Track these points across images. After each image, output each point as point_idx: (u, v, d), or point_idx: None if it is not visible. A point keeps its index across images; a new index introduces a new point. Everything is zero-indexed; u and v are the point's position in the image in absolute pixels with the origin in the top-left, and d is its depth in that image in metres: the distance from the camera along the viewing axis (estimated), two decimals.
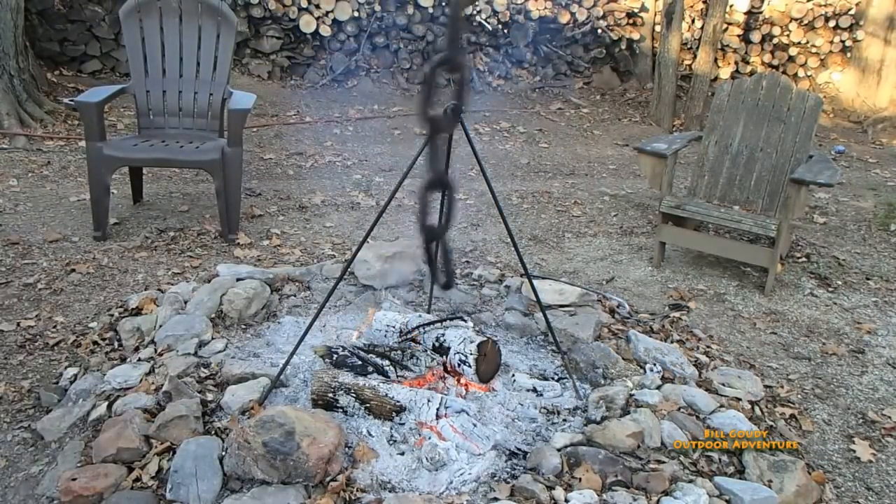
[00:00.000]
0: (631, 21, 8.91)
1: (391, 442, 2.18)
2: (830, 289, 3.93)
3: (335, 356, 2.49)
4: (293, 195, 4.88)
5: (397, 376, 2.42)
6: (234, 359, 2.61)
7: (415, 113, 7.28)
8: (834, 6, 9.00)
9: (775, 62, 9.24)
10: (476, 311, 3.13)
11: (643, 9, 8.83)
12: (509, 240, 2.54)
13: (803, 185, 3.49)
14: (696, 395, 2.53)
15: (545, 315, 2.53)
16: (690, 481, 2.09)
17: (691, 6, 8.78)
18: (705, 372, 2.81)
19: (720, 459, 2.23)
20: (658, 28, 8.60)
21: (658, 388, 2.57)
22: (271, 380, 2.40)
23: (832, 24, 9.08)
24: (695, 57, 8.19)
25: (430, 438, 2.15)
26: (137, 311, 2.94)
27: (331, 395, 2.28)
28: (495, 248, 4.15)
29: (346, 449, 2.10)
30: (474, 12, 8.05)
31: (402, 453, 2.13)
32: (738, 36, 9.11)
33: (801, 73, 9.30)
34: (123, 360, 2.65)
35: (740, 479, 2.17)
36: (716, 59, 8.45)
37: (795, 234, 4.61)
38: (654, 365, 2.73)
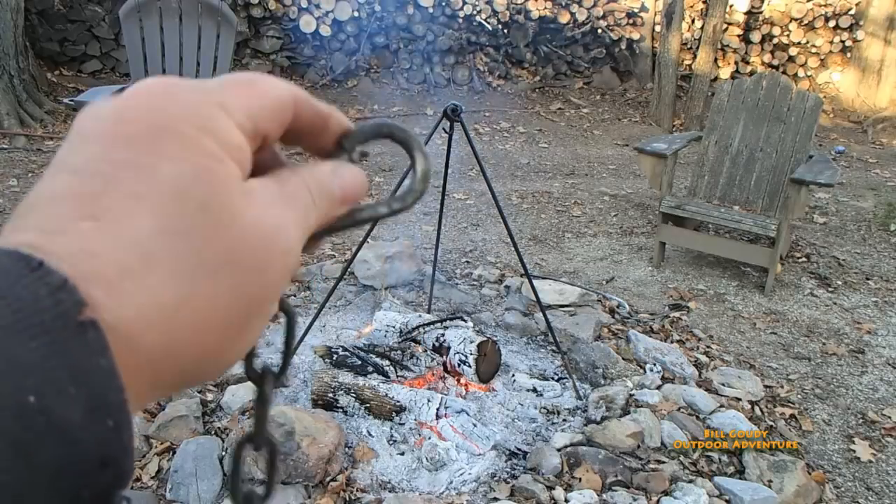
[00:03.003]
0: (631, 21, 8.91)
1: (391, 442, 2.18)
2: (830, 289, 3.93)
3: (335, 356, 2.49)
4: None
5: (397, 376, 2.42)
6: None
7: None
8: (834, 6, 9.00)
9: (775, 62, 9.24)
10: (476, 311, 3.13)
11: (643, 9, 8.82)
12: (509, 240, 2.54)
13: (803, 185, 3.49)
14: (696, 395, 2.53)
15: (545, 315, 2.53)
16: (690, 481, 2.09)
17: (691, 6, 8.78)
18: (705, 372, 2.81)
19: (720, 459, 2.23)
20: (658, 28, 8.60)
21: (658, 388, 2.57)
22: None
23: (832, 24, 9.08)
24: (695, 57, 8.19)
25: (430, 438, 2.15)
26: None
27: (331, 395, 2.28)
28: (495, 248, 4.15)
29: (346, 449, 2.10)
30: (474, 12, 8.05)
31: (402, 453, 2.13)
32: (738, 36, 9.10)
33: (801, 73, 9.30)
34: None
35: (740, 479, 2.17)
36: (716, 59, 8.45)
37: (795, 234, 4.60)
38: (654, 365, 2.73)
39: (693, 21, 8.91)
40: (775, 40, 9.14)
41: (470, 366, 2.45)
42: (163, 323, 0.22)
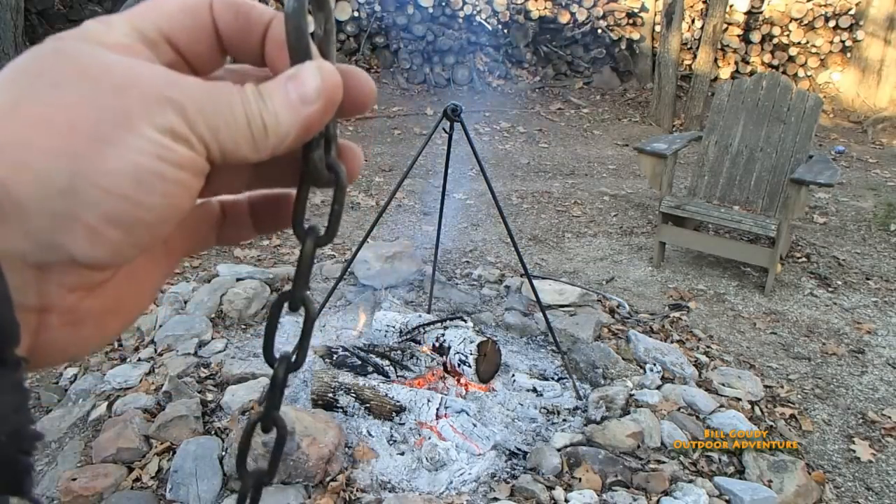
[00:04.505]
0: (631, 21, 8.91)
1: (391, 442, 2.18)
2: (830, 289, 3.93)
3: (335, 356, 2.49)
4: None
5: (397, 376, 2.42)
6: (234, 359, 2.61)
7: (412, 113, 7.30)
8: (834, 6, 9.00)
9: (775, 62, 9.24)
10: (476, 311, 3.13)
11: (643, 9, 8.83)
12: (509, 240, 2.54)
13: (803, 185, 3.49)
14: (696, 395, 2.53)
15: (545, 315, 2.53)
16: (690, 481, 2.09)
17: (691, 6, 8.78)
18: (705, 372, 2.81)
19: (720, 459, 2.23)
20: (658, 28, 8.60)
21: (658, 388, 2.57)
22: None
23: (832, 24, 9.08)
24: (695, 57, 8.19)
25: (430, 438, 2.15)
26: None
27: (331, 395, 2.28)
28: (495, 248, 4.15)
29: (346, 449, 2.10)
30: (474, 12, 8.05)
31: (402, 453, 2.13)
32: (738, 36, 9.11)
33: (801, 73, 9.30)
34: (123, 360, 2.65)
35: (740, 479, 2.17)
36: (716, 59, 8.45)
37: (795, 234, 4.60)
38: (654, 365, 2.73)
39: (693, 21, 8.92)
40: (775, 40, 9.14)
41: (470, 366, 2.45)
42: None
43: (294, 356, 0.31)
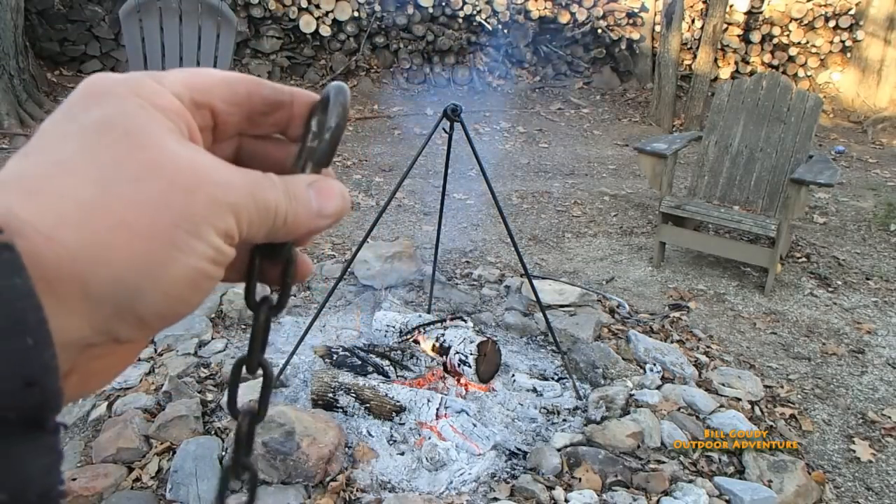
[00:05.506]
0: (631, 21, 8.91)
1: (391, 442, 2.18)
2: (830, 289, 3.93)
3: (335, 356, 2.49)
4: None
5: (397, 376, 2.42)
6: (234, 359, 2.61)
7: (411, 113, 7.29)
8: (834, 6, 9.00)
9: (775, 62, 9.24)
10: (476, 311, 3.13)
11: (643, 9, 8.82)
12: (509, 240, 2.54)
13: (803, 185, 3.49)
14: (696, 395, 2.53)
15: (545, 315, 2.53)
16: (690, 481, 2.09)
17: (691, 6, 8.78)
18: (705, 372, 2.81)
19: (720, 459, 2.23)
20: (658, 28, 8.60)
21: (658, 388, 2.57)
22: None
23: (832, 24, 9.08)
24: (695, 57, 8.19)
25: (430, 438, 2.15)
26: None
27: (331, 395, 2.28)
28: (495, 248, 4.15)
29: (346, 449, 2.10)
30: (474, 12, 8.05)
31: (402, 453, 2.13)
32: (738, 36, 9.11)
33: (801, 73, 9.30)
34: None
35: (740, 479, 2.17)
36: (716, 59, 8.45)
37: (795, 234, 4.60)
38: (654, 365, 2.73)
39: (693, 21, 8.91)
40: (775, 40, 9.14)
41: (470, 366, 2.45)
42: (81, 217, 0.24)
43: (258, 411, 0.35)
